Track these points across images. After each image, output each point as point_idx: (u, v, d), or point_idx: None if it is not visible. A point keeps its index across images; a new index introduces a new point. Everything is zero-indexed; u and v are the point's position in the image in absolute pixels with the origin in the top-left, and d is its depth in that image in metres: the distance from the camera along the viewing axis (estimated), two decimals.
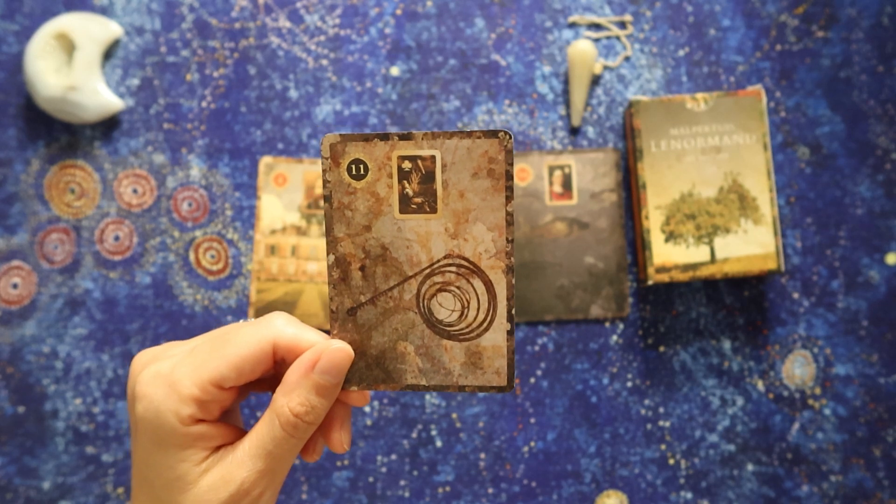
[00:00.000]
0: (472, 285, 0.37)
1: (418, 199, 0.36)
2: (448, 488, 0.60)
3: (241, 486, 0.36)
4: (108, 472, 0.61)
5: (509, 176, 0.35)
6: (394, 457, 0.61)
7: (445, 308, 0.37)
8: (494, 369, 0.37)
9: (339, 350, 0.37)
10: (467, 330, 0.37)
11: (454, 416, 0.61)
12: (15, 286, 0.62)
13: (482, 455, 0.61)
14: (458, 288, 0.37)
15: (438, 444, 0.61)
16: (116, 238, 0.63)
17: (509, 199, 0.35)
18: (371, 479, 0.60)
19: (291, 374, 0.36)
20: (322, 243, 0.61)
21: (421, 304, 0.37)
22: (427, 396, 0.61)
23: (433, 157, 0.36)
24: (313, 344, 0.37)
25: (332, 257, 0.37)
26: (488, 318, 0.37)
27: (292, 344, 0.37)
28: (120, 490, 0.61)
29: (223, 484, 0.36)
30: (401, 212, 0.37)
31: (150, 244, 0.63)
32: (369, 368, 0.38)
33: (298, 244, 0.62)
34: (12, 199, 0.63)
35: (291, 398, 0.36)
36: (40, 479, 0.61)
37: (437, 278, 0.37)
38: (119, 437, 0.61)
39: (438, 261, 0.37)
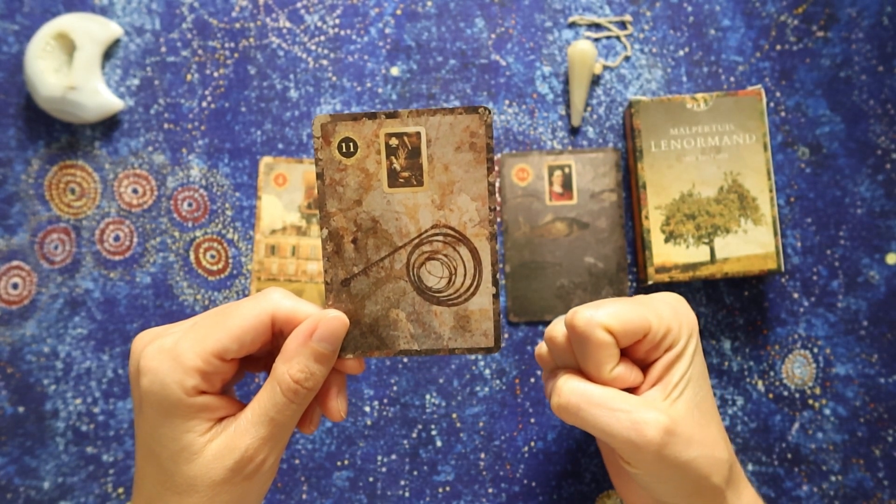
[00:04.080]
0: (459, 253, 0.39)
1: (405, 174, 0.39)
2: (448, 488, 0.60)
3: (245, 453, 0.38)
4: (108, 472, 0.61)
5: (490, 149, 0.38)
6: (394, 457, 0.61)
7: (434, 275, 0.39)
8: (482, 331, 0.39)
9: (335, 318, 0.39)
10: (455, 295, 0.39)
11: (454, 416, 0.61)
12: (15, 286, 0.62)
13: (482, 455, 0.61)
14: (445, 256, 0.39)
15: (438, 444, 0.61)
16: (116, 238, 0.63)
17: (490, 170, 0.38)
18: (371, 479, 0.60)
19: (290, 343, 0.39)
20: None
21: (411, 273, 0.40)
22: (427, 396, 0.61)
23: (418, 134, 0.38)
24: (310, 315, 0.39)
25: (325, 231, 0.40)
26: (475, 284, 0.39)
27: (290, 315, 0.39)
28: (120, 490, 0.61)
29: (228, 452, 0.38)
30: (389, 186, 0.39)
31: (151, 244, 0.63)
32: (364, 336, 0.40)
33: (298, 244, 0.62)
34: (12, 199, 0.63)
35: (291, 365, 0.38)
36: (40, 479, 0.61)
37: (426, 247, 0.39)
38: (119, 437, 0.61)
39: (426, 231, 0.39)
